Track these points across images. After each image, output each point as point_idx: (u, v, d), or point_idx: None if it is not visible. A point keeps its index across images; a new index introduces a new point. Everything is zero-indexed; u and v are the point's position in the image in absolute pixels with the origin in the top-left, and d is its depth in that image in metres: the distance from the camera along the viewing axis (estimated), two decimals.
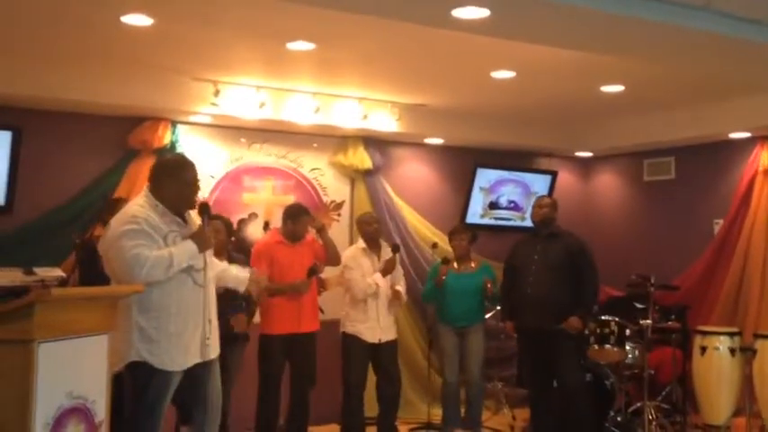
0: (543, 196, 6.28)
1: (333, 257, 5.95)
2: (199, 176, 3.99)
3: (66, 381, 3.25)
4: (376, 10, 3.93)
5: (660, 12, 3.94)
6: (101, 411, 3.44)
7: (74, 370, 3.30)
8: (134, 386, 3.75)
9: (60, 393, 3.21)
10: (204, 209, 3.97)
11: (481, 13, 3.76)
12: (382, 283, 5.95)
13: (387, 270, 5.97)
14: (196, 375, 3.89)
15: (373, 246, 6.07)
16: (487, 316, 6.61)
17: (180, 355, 3.79)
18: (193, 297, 3.83)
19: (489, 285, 6.17)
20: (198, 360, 3.86)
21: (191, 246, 3.78)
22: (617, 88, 6.29)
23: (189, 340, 3.81)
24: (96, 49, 5.23)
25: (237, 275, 4.30)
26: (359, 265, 6.00)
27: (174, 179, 3.86)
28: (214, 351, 3.98)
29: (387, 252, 6.15)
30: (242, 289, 4.34)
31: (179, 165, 3.96)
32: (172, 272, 3.69)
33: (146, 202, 3.82)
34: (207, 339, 3.88)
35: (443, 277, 6.22)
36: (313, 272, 5.75)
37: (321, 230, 5.90)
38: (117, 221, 3.76)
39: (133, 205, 3.86)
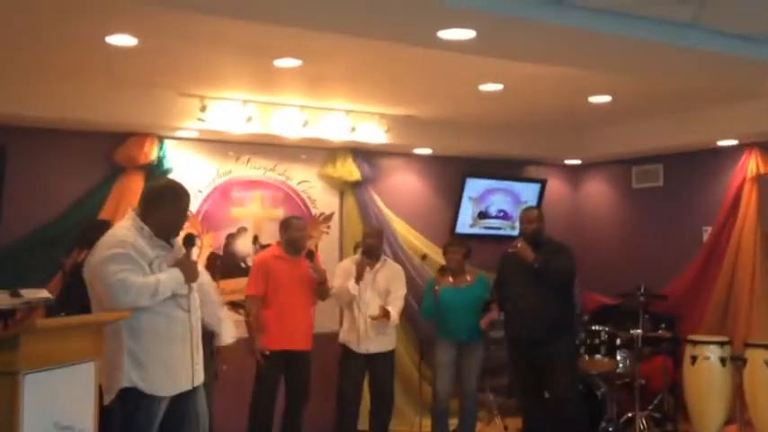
0: (529, 209, 6.21)
1: (323, 294, 5.91)
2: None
3: (53, 410, 3.21)
4: (363, 31, 3.92)
5: (647, 30, 3.94)
6: None
7: (60, 399, 3.26)
8: (123, 413, 3.70)
9: (47, 424, 3.17)
10: (189, 240, 3.90)
11: (467, 34, 3.75)
12: (354, 288, 5.90)
13: (358, 275, 5.92)
14: (183, 400, 3.85)
15: (370, 258, 6.05)
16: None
17: (169, 380, 3.75)
18: (180, 322, 3.79)
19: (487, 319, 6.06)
20: (188, 387, 3.82)
21: (178, 275, 3.73)
22: (605, 99, 6.30)
23: (178, 366, 3.78)
24: (81, 66, 5.21)
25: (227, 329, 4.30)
26: (346, 273, 6.00)
27: (169, 207, 3.81)
28: (201, 376, 3.95)
29: (386, 265, 6.14)
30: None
31: (176, 192, 3.89)
32: (157, 300, 3.64)
33: (131, 225, 3.77)
34: (196, 365, 3.86)
35: (437, 288, 6.17)
36: (311, 254, 5.77)
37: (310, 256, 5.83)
38: (102, 245, 3.71)
39: (120, 229, 3.80)
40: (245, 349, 5.58)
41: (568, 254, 5.79)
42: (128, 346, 3.66)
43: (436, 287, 6.18)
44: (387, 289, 6.08)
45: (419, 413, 6.69)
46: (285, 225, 5.85)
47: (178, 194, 3.88)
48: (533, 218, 5.91)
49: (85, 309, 3.85)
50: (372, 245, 6.09)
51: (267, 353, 5.59)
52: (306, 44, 4.66)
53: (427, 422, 6.49)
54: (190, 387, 3.84)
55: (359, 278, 5.94)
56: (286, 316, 5.66)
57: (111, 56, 4.85)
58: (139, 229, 3.74)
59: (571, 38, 3.90)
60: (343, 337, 6.08)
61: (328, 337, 6.21)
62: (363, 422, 6.26)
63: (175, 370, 3.77)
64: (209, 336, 4.94)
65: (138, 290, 3.59)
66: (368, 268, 6.00)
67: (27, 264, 5.65)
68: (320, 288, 5.84)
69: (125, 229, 3.77)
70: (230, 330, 4.34)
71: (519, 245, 5.72)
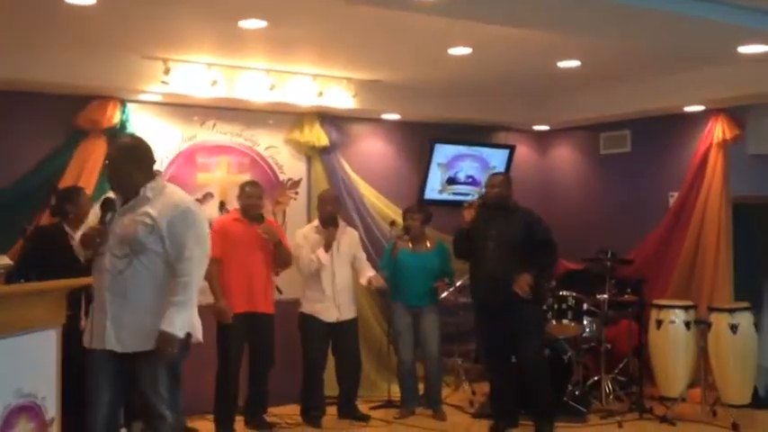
0: (495, 174, 6.18)
1: (284, 256, 5.88)
2: (118, 158, 3.83)
3: (15, 378, 3.17)
4: None
5: None
6: (51, 408, 3.36)
7: (22, 367, 3.22)
8: None
9: (8, 392, 3.13)
10: (107, 204, 3.80)
11: None
12: (324, 258, 5.91)
13: (327, 244, 5.93)
14: (134, 365, 3.77)
15: (328, 225, 6.01)
16: (443, 294, 6.59)
17: (89, 334, 3.81)
18: (98, 282, 3.80)
19: (442, 285, 6.33)
20: (101, 346, 3.74)
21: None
22: (573, 63, 6.27)
23: (95, 323, 3.79)
24: (41, 27, 5.05)
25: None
26: (309, 242, 5.99)
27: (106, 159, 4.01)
28: (123, 346, 3.73)
29: (346, 232, 6.11)
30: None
31: (111, 146, 4.17)
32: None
33: None
34: (104, 328, 3.73)
35: (398, 247, 6.26)
36: (260, 218, 5.75)
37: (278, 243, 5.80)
38: None
39: None
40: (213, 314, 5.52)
41: (544, 230, 5.77)
42: None
43: (396, 242, 6.28)
44: (352, 254, 6.14)
45: (388, 380, 6.71)
46: (240, 191, 5.87)
47: (112, 147, 4.12)
48: (497, 182, 5.87)
49: (49, 273, 3.82)
50: (332, 212, 6.06)
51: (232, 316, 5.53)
52: (271, 5, 4.57)
53: (396, 388, 6.51)
54: (101, 347, 3.75)
55: (328, 247, 5.91)
56: (247, 279, 5.64)
57: (69, 16, 4.71)
58: None
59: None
60: (308, 307, 6.04)
61: (293, 304, 6.18)
62: (332, 389, 6.26)
63: (93, 327, 3.80)
64: None
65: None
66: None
67: None
68: (279, 249, 5.77)
69: None
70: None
71: (515, 287, 5.56)
